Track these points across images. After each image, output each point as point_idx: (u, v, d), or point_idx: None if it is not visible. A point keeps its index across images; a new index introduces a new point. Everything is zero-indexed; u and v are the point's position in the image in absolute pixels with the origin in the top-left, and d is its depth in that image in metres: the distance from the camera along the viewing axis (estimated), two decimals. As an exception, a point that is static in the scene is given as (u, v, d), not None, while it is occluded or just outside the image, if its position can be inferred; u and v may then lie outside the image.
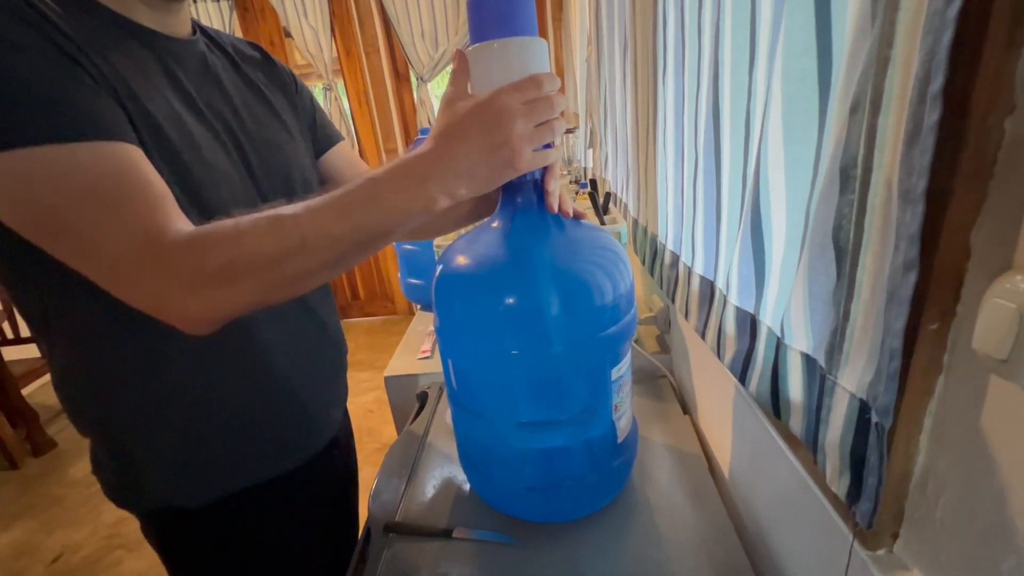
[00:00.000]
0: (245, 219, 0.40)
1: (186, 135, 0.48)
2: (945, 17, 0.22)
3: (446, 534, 0.57)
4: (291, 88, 0.66)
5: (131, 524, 0.60)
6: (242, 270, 0.39)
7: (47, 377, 0.62)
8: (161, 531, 0.59)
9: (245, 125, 0.56)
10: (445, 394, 0.88)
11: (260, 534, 0.61)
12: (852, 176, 0.29)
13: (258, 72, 0.62)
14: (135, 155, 0.42)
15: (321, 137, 0.68)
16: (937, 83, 0.23)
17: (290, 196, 0.58)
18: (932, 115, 0.23)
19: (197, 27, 0.57)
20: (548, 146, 0.44)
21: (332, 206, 0.40)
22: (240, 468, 0.57)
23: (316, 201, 0.41)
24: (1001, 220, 0.24)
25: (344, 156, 0.70)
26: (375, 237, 0.42)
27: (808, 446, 0.37)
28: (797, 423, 0.39)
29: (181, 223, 0.41)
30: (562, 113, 0.45)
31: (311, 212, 0.40)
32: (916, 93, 0.24)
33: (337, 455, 0.71)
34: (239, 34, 2.84)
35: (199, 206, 0.48)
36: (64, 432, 2.31)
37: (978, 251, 0.25)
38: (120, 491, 0.56)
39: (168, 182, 0.44)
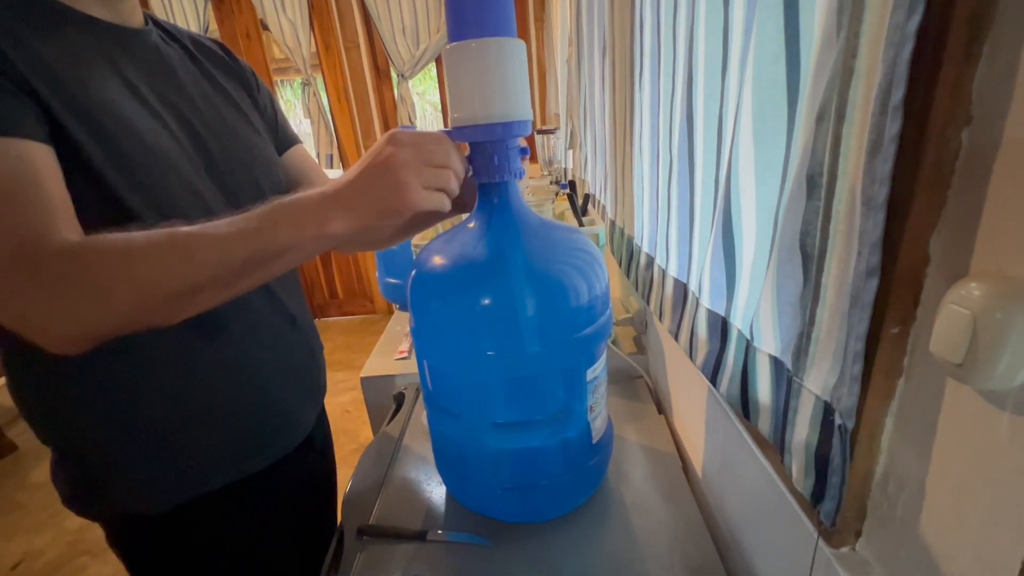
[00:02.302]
0: (138, 233, 0.39)
1: (123, 120, 0.47)
2: (905, 31, 0.22)
3: (420, 536, 0.57)
4: (252, 85, 0.66)
5: (96, 530, 0.58)
6: (120, 283, 0.38)
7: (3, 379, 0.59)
8: (125, 539, 0.57)
9: (203, 115, 0.55)
10: (421, 395, 0.87)
11: (229, 539, 0.59)
12: (818, 183, 0.29)
13: (218, 67, 0.62)
14: (32, 153, 0.40)
15: (281, 137, 0.68)
16: (898, 95, 0.23)
17: (256, 187, 0.58)
18: (893, 126, 0.24)
19: (151, 20, 0.57)
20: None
21: (230, 224, 0.40)
22: (205, 470, 0.56)
23: (218, 221, 0.40)
24: (959, 228, 0.24)
25: (303, 158, 0.70)
26: (268, 256, 0.40)
27: (775, 447, 0.38)
28: (765, 424, 0.39)
29: (69, 233, 0.39)
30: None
31: (207, 228, 0.40)
32: (878, 104, 0.24)
33: (313, 457, 0.70)
34: (214, 26, 2.77)
35: (142, 192, 0.47)
36: (25, 435, 2.22)
37: (937, 258, 0.26)
38: (80, 499, 0.54)
39: (104, 167, 0.43)
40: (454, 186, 0.43)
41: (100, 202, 0.44)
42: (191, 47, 0.60)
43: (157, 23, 0.58)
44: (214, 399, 0.55)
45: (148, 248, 0.39)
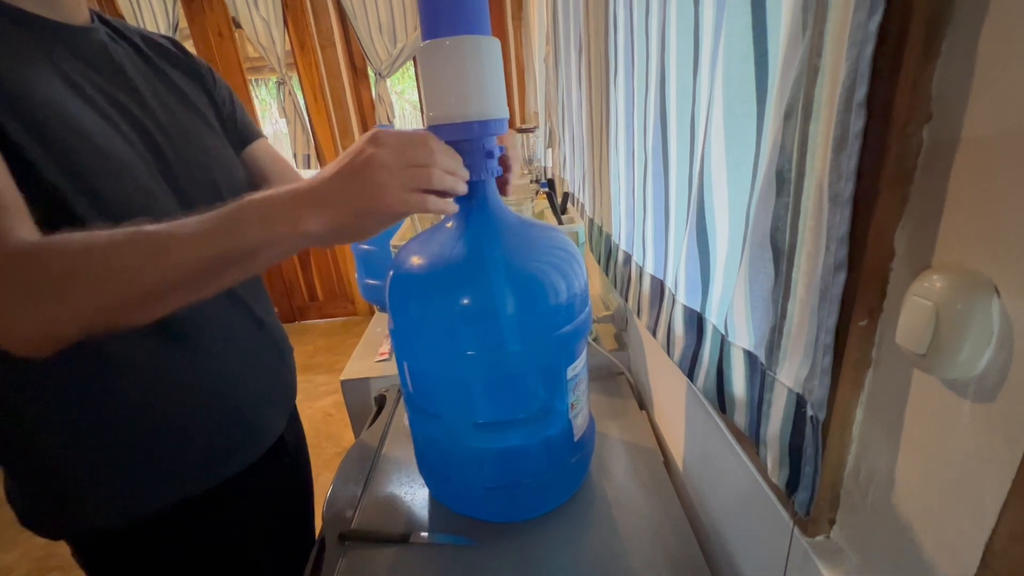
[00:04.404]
0: (101, 232, 0.37)
1: (70, 121, 0.45)
2: (868, 29, 0.23)
3: (403, 539, 0.56)
4: (208, 81, 0.63)
5: (67, 545, 0.56)
6: (84, 282, 0.36)
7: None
8: (91, 555, 0.55)
9: (155, 116, 0.53)
10: (403, 397, 0.87)
11: (201, 549, 0.58)
12: (787, 180, 0.30)
13: (171, 64, 0.60)
14: None
15: (242, 131, 0.66)
16: (861, 92, 0.24)
17: (214, 189, 0.56)
18: (857, 123, 0.24)
19: (97, 17, 0.54)
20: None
21: (198, 223, 0.39)
22: (174, 480, 0.54)
23: (186, 219, 0.39)
24: (922, 222, 0.25)
25: (266, 152, 0.68)
26: (240, 255, 0.39)
27: (751, 439, 0.39)
28: (741, 417, 0.40)
29: (24, 233, 0.38)
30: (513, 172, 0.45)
31: (174, 228, 0.38)
32: (843, 101, 0.25)
33: (287, 462, 0.68)
34: (184, 24, 2.70)
35: (92, 197, 0.45)
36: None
37: (901, 251, 0.27)
38: (38, 518, 0.52)
39: (50, 170, 0.42)
40: (443, 183, 0.42)
41: (48, 208, 0.42)
42: (142, 45, 0.57)
43: (104, 20, 0.55)
44: (180, 407, 0.53)
45: (109, 247, 0.37)
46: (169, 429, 0.53)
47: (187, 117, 0.57)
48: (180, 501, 0.54)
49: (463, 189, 0.44)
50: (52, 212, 0.42)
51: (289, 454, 0.69)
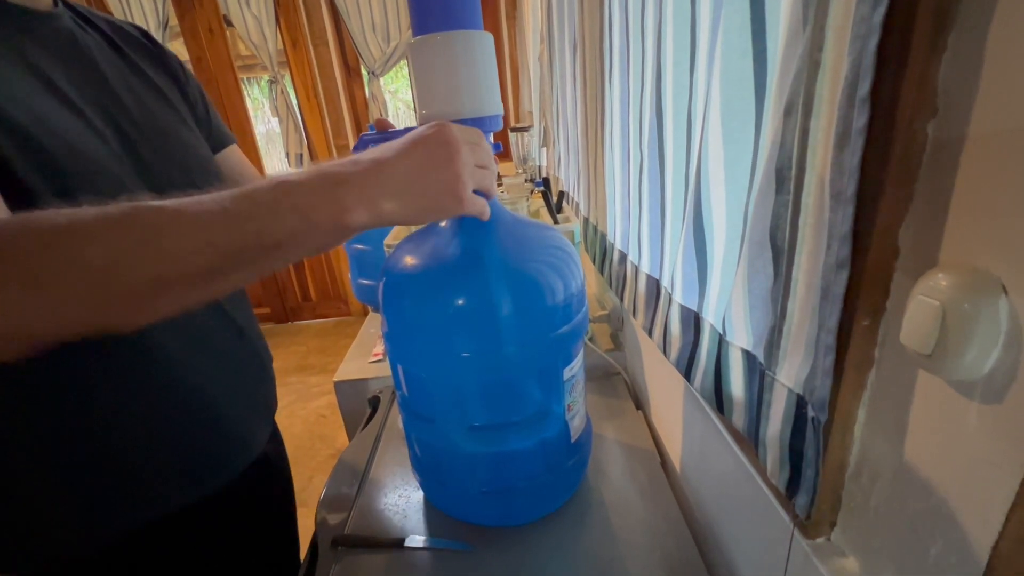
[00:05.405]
0: (90, 208, 0.31)
1: (41, 119, 0.41)
2: (871, 22, 0.22)
3: (398, 544, 0.56)
4: (180, 76, 0.59)
5: None
6: (61, 269, 0.29)
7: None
8: None
9: (131, 112, 0.49)
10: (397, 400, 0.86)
11: (180, 570, 0.54)
12: (787, 177, 0.29)
13: (143, 57, 0.55)
14: None
15: (215, 135, 0.62)
16: (864, 87, 0.23)
17: (194, 192, 0.52)
18: (860, 118, 0.24)
19: (61, 0, 0.50)
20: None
21: (214, 201, 0.32)
22: (149, 501, 0.50)
23: (198, 196, 0.33)
24: (927, 220, 0.25)
25: (239, 159, 0.65)
26: (263, 248, 0.33)
27: (750, 440, 0.38)
28: (739, 418, 0.39)
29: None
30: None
31: (183, 205, 0.32)
32: (845, 97, 0.24)
33: (270, 476, 0.65)
34: (174, 21, 2.67)
35: (66, 198, 0.39)
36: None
37: (906, 250, 0.26)
38: None
39: (23, 171, 0.37)
40: (495, 190, 0.41)
41: (19, 208, 0.37)
42: (111, 34, 0.53)
43: (69, 5, 0.50)
44: (158, 423, 0.49)
45: (100, 226, 0.30)
46: (150, 448, 0.49)
47: (163, 114, 0.53)
48: (151, 522, 0.50)
49: (496, 191, 0.44)
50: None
51: (271, 468, 0.66)
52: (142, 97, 0.52)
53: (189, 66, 0.62)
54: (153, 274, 0.31)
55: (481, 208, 0.42)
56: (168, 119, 0.54)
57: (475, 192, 0.41)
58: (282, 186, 0.33)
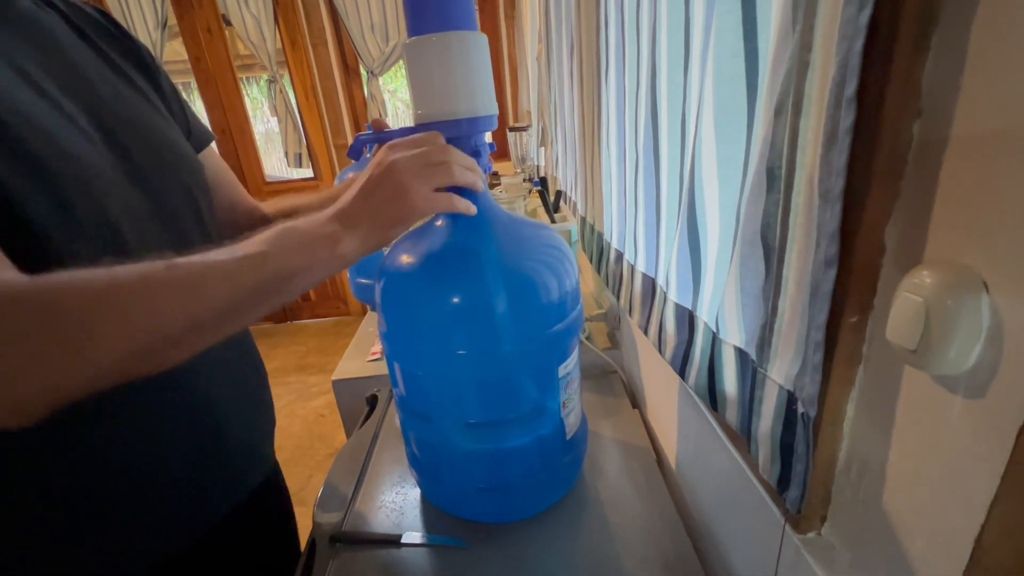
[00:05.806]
0: (122, 266, 0.32)
1: (26, 118, 0.37)
2: (857, 23, 0.23)
3: (395, 541, 0.56)
4: (150, 66, 0.53)
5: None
6: (108, 327, 0.31)
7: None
8: None
9: (111, 106, 0.45)
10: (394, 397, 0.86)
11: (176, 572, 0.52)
12: (777, 176, 0.30)
13: (108, 43, 0.49)
14: None
15: (196, 133, 0.57)
16: (851, 87, 0.24)
17: (186, 194, 0.50)
18: (847, 118, 0.24)
19: None
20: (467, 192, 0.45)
21: (231, 252, 0.37)
22: (146, 539, 0.47)
23: (214, 250, 0.36)
24: (912, 218, 0.25)
25: (217, 158, 0.61)
26: (274, 287, 0.37)
27: (742, 437, 0.39)
28: (732, 415, 0.40)
29: (7, 272, 0.31)
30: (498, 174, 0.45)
31: (208, 258, 0.35)
32: (833, 96, 0.24)
33: (274, 496, 0.65)
34: (172, 21, 2.67)
35: (62, 208, 0.37)
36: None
37: (892, 247, 0.26)
38: None
39: (17, 184, 0.34)
40: (464, 177, 0.43)
41: (12, 230, 0.35)
42: (72, 17, 0.47)
43: None
44: (171, 450, 0.47)
45: (143, 283, 0.32)
46: (157, 461, 0.47)
47: (143, 108, 0.48)
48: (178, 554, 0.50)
49: (481, 185, 0.44)
50: (19, 242, 0.34)
51: (273, 489, 0.65)
52: (118, 89, 0.47)
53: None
54: (192, 320, 0.34)
55: (450, 204, 0.43)
56: (148, 115, 0.49)
57: (451, 190, 0.43)
58: (287, 230, 0.39)
